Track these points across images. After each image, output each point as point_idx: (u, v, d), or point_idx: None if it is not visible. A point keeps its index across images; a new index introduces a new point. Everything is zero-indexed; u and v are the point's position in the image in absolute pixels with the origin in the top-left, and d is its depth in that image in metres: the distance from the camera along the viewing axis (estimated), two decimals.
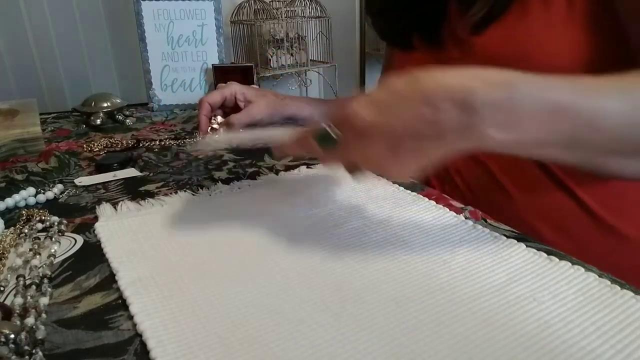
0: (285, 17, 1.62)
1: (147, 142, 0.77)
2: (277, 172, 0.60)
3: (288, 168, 0.62)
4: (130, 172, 0.63)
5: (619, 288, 0.35)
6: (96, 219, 0.49)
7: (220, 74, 0.99)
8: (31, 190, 0.55)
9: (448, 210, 0.48)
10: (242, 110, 0.78)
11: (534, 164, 0.56)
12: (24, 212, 0.50)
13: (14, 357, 0.29)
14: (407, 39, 0.65)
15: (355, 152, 0.38)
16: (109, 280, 0.37)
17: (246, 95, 0.79)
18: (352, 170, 0.41)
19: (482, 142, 0.35)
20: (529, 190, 0.57)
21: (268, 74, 1.62)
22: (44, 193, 0.55)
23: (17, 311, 0.34)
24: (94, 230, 0.46)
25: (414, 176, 0.38)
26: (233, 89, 0.80)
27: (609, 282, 0.35)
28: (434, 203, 0.50)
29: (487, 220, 0.46)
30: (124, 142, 0.77)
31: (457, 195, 0.59)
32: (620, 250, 0.55)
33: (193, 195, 0.54)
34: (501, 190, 0.58)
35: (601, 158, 0.39)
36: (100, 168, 0.65)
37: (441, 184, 0.64)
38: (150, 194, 0.56)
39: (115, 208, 0.51)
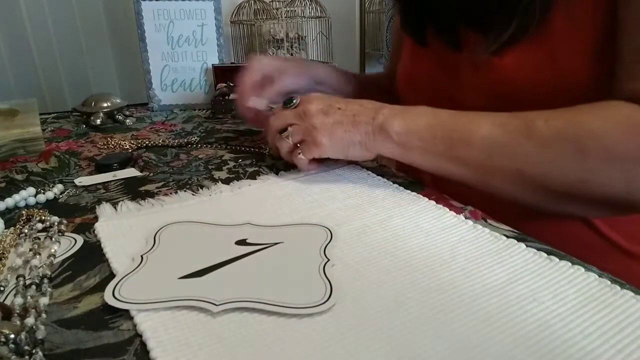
0: (285, 17, 1.62)
1: (147, 143, 0.77)
2: (277, 172, 0.60)
3: (288, 168, 0.62)
4: (130, 172, 0.63)
5: (619, 288, 0.35)
6: (96, 219, 0.49)
7: (220, 74, 0.99)
8: (31, 190, 0.55)
9: (448, 210, 0.48)
10: (275, 82, 0.70)
11: None
12: (24, 212, 0.50)
13: (14, 357, 0.29)
14: (421, 32, 0.63)
15: (297, 108, 0.55)
16: (109, 280, 0.37)
17: (275, 67, 0.71)
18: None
19: (385, 138, 0.51)
20: (537, 213, 0.57)
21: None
22: (44, 193, 0.55)
23: (17, 311, 0.34)
24: (94, 230, 0.46)
25: (320, 144, 0.54)
26: (265, 65, 0.71)
27: (609, 282, 0.35)
28: (434, 203, 0.50)
29: (487, 220, 0.46)
30: (125, 143, 0.76)
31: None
32: (632, 271, 0.55)
33: (193, 195, 0.54)
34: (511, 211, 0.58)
35: (484, 177, 0.49)
36: (100, 168, 0.65)
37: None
38: (150, 194, 0.56)
39: (115, 208, 0.51)
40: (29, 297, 0.35)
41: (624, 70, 0.47)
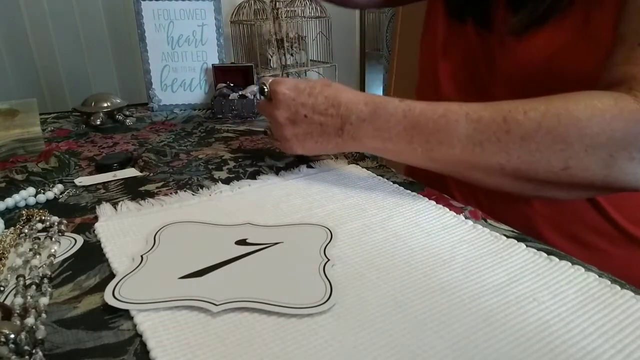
0: (285, 17, 1.62)
1: (147, 143, 0.77)
2: (277, 172, 0.60)
3: (288, 167, 0.62)
4: (130, 172, 0.63)
5: (619, 288, 0.35)
6: (96, 219, 0.49)
7: (220, 74, 0.99)
8: (31, 190, 0.55)
9: (448, 210, 0.48)
10: None
11: None
12: (24, 212, 0.50)
13: (14, 357, 0.29)
14: (459, 6, 0.63)
15: (270, 109, 0.56)
16: (109, 280, 0.37)
17: None
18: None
19: (359, 146, 0.52)
20: (548, 200, 0.56)
21: (268, 74, 1.62)
22: (44, 193, 0.55)
23: (17, 311, 0.34)
24: (94, 230, 0.46)
25: (296, 152, 0.57)
26: None
27: (609, 282, 0.35)
28: (434, 203, 0.50)
29: (487, 220, 0.46)
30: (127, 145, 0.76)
31: (473, 202, 0.59)
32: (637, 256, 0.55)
33: (193, 195, 0.54)
34: (523, 202, 0.57)
35: (463, 172, 0.49)
36: (100, 168, 0.65)
37: (458, 187, 0.64)
38: (150, 194, 0.56)
39: (115, 208, 0.51)
40: (29, 297, 0.35)
41: (622, 52, 0.46)
